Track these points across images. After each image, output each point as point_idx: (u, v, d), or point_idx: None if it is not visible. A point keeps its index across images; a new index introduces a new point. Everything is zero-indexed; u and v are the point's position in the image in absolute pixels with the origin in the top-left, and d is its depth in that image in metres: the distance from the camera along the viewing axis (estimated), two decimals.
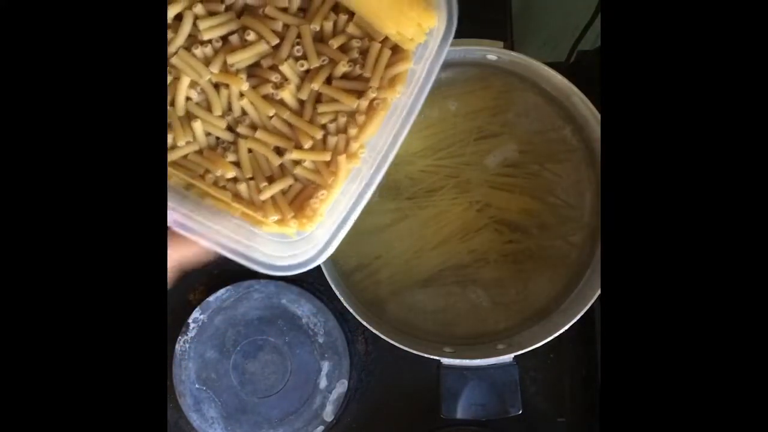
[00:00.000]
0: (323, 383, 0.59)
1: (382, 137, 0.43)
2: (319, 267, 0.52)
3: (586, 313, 0.51)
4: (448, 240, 0.56)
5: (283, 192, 0.44)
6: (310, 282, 0.60)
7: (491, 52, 0.54)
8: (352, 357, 0.59)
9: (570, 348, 0.59)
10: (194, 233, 0.41)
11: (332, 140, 0.43)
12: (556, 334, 0.50)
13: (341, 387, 0.59)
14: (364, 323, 0.51)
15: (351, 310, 0.51)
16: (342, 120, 0.43)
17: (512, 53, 0.53)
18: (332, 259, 0.55)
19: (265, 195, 0.43)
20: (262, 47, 0.42)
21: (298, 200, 0.44)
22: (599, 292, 0.50)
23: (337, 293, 0.52)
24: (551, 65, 0.53)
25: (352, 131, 0.43)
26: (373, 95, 0.43)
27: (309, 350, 0.59)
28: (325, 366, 0.59)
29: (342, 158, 0.43)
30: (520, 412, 0.52)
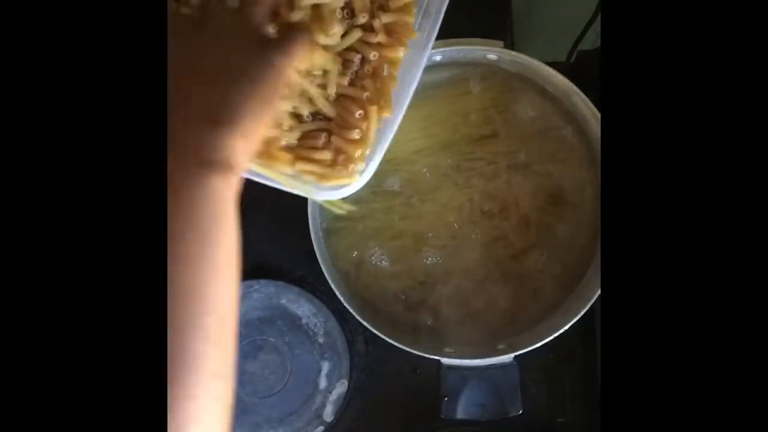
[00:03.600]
0: (323, 383, 0.59)
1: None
2: (319, 267, 0.52)
3: (586, 313, 0.51)
4: (447, 240, 0.56)
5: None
6: (310, 282, 0.60)
7: (491, 52, 0.54)
8: (352, 357, 0.59)
9: (570, 348, 0.59)
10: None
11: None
12: (556, 334, 0.50)
13: (341, 387, 0.59)
14: (364, 323, 0.51)
15: (351, 310, 0.51)
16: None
17: (512, 53, 0.54)
18: (332, 259, 0.55)
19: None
20: None
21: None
22: (599, 292, 0.50)
23: (337, 293, 0.52)
24: (551, 65, 0.53)
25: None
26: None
27: (309, 350, 0.59)
28: (325, 366, 0.59)
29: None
30: (520, 412, 0.52)
